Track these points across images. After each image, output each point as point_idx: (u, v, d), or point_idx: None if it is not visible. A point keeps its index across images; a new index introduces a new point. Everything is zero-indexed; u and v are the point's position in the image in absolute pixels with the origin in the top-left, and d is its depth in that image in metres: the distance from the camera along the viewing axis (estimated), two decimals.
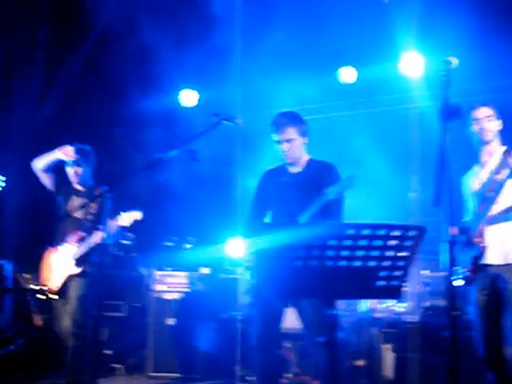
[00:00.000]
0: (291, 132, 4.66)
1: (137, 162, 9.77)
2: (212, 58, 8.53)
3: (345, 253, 2.82)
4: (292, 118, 4.74)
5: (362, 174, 4.53)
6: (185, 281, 7.43)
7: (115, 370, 7.42)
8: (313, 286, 2.89)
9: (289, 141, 4.66)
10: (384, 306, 6.92)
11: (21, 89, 10.57)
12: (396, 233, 2.80)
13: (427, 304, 6.76)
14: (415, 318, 6.56)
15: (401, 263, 2.91)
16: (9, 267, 7.79)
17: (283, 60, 8.29)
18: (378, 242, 2.81)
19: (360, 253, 2.83)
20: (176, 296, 7.35)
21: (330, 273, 2.85)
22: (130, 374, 7.40)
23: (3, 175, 9.34)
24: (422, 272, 6.87)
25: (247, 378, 6.67)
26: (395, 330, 6.53)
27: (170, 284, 7.42)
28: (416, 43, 7.97)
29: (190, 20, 8.96)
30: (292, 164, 4.78)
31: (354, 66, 8.61)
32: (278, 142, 4.69)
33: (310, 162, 4.80)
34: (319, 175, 4.65)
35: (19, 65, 10.60)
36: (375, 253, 2.85)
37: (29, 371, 6.72)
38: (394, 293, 3.00)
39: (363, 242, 2.80)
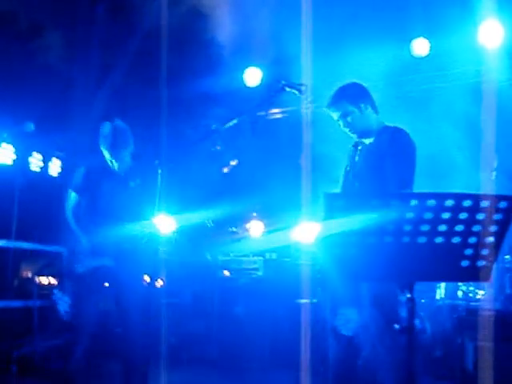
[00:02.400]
0: (345, 105, 4.39)
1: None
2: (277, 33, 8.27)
3: (425, 227, 2.48)
4: (345, 90, 4.47)
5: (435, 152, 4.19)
6: (251, 266, 7.20)
7: (179, 359, 7.23)
8: (388, 267, 2.57)
9: (345, 115, 4.40)
10: (462, 293, 6.67)
11: (79, 71, 10.55)
12: (484, 204, 2.44)
13: (508, 291, 6.42)
14: (496, 305, 6.21)
15: (489, 240, 2.55)
16: (68, 254, 7.69)
17: (352, 33, 7.95)
18: (464, 215, 2.46)
19: (442, 228, 2.49)
20: (241, 282, 7.12)
21: (408, 251, 2.52)
22: (195, 363, 7.21)
23: (63, 158, 9.31)
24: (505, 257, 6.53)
25: (315, 366, 6.38)
26: (474, 318, 6.16)
27: (236, 270, 7.21)
28: (495, 11, 7.59)
29: None
30: (362, 136, 4.48)
31: (426, 38, 8.24)
32: (338, 119, 4.45)
33: (382, 130, 4.47)
34: (387, 142, 4.34)
35: (77, 47, 10.58)
36: (460, 228, 2.50)
37: (87, 360, 6.60)
38: (481, 274, 2.65)
39: (446, 215, 2.45)
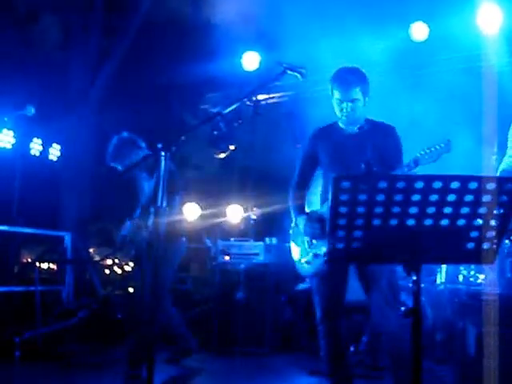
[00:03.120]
0: (357, 92, 4.36)
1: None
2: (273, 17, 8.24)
3: (431, 210, 2.48)
4: (359, 77, 4.43)
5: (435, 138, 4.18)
6: (252, 251, 7.18)
7: None
8: (394, 249, 2.57)
9: (353, 101, 4.37)
10: (463, 277, 6.66)
11: (77, 57, 10.52)
12: (490, 186, 2.44)
13: (508, 275, 6.40)
14: (497, 290, 6.20)
15: (494, 222, 2.56)
16: (68, 239, 7.71)
17: (351, 17, 7.92)
18: (469, 197, 2.46)
19: (448, 210, 2.49)
20: (242, 267, 7.10)
21: (414, 233, 2.52)
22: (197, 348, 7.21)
23: (61, 143, 9.31)
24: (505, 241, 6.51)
25: (316, 351, 6.39)
26: (476, 303, 6.16)
27: (235, 255, 7.20)
28: None
29: None
30: (351, 124, 4.48)
31: (425, 22, 8.19)
32: (341, 100, 4.39)
33: (367, 122, 4.50)
34: (378, 136, 4.40)
35: (76, 33, 10.55)
36: (465, 210, 2.50)
37: (91, 344, 6.64)
38: (486, 257, 2.65)
39: (452, 197, 2.45)
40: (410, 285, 6.79)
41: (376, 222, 2.50)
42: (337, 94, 4.40)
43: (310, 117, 7.53)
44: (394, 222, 2.50)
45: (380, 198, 2.43)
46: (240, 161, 10.38)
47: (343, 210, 2.46)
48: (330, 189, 2.41)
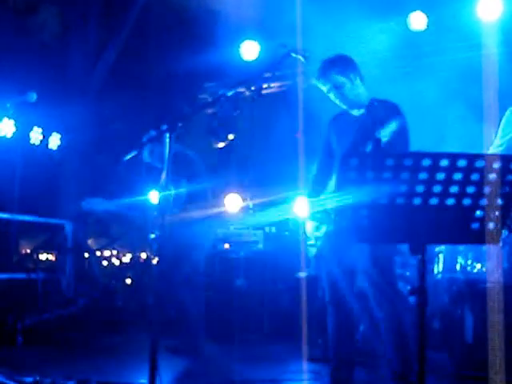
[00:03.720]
0: (336, 76, 4.41)
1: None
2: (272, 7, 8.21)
3: (437, 189, 2.48)
4: (334, 62, 4.48)
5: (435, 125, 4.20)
6: (251, 239, 7.19)
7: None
8: (400, 229, 2.58)
9: (338, 87, 4.41)
10: (460, 266, 6.67)
11: (77, 47, 10.49)
12: (496, 165, 2.44)
13: (505, 265, 6.42)
14: (495, 278, 6.21)
15: (500, 201, 2.56)
16: (69, 228, 7.69)
17: (350, 7, 7.89)
18: (475, 176, 2.46)
19: (454, 189, 2.50)
20: (242, 255, 7.11)
21: (419, 213, 2.53)
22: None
23: (62, 132, 9.29)
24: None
25: (315, 339, 6.40)
26: (474, 291, 6.18)
27: (235, 243, 7.20)
28: None
29: None
30: (352, 107, 4.52)
31: (424, 12, 8.19)
32: (328, 91, 4.47)
33: (372, 103, 4.48)
34: (381, 115, 4.31)
35: (75, 22, 10.51)
36: (471, 189, 2.50)
37: (91, 331, 6.64)
38: (491, 237, 2.65)
39: (458, 176, 2.46)
40: (408, 273, 6.84)
41: (382, 200, 2.51)
42: (322, 87, 4.49)
43: (309, 106, 7.54)
44: (400, 200, 2.51)
45: (387, 175, 2.43)
46: (239, 151, 10.37)
47: (351, 188, 2.47)
48: (338, 167, 2.42)
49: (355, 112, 4.53)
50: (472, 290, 6.11)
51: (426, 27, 8.24)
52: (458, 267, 6.78)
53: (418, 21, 8.21)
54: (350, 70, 4.46)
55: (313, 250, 4.57)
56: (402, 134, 4.24)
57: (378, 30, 8.28)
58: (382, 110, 4.37)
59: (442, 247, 6.82)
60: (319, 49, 8.01)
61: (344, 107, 4.53)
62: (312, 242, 4.54)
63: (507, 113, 4.69)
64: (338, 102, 4.50)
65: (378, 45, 8.19)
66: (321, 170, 4.67)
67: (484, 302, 5.85)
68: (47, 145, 8.91)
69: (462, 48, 8.36)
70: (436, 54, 8.48)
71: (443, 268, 6.85)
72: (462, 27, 8.08)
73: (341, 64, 4.46)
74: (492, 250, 6.39)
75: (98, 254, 10.65)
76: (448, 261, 6.86)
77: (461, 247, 6.72)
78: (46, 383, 4.10)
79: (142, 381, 4.46)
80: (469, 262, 6.73)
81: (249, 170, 9.94)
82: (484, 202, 2.55)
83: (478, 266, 6.60)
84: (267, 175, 8.96)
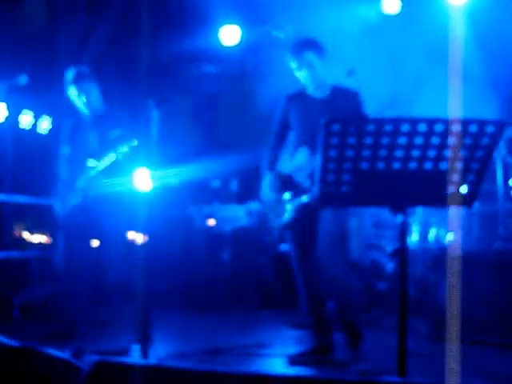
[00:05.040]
0: (309, 56, 4.46)
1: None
2: None
3: (415, 153, 2.47)
4: (308, 43, 4.54)
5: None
6: (234, 215, 7.19)
7: (170, 304, 7.23)
8: (381, 192, 2.57)
9: (308, 65, 4.47)
10: (433, 236, 6.73)
11: (64, 33, 10.34)
12: (472, 129, 2.43)
13: (475, 233, 6.49)
14: (465, 246, 6.27)
15: (475, 165, 2.56)
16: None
17: None
18: (452, 140, 2.46)
19: (431, 153, 2.49)
20: (226, 230, 7.10)
21: (399, 176, 2.52)
22: (184, 308, 7.21)
23: (53, 116, 9.19)
24: None
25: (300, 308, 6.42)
26: (448, 258, 6.22)
27: (220, 218, 7.20)
28: None
29: None
30: (318, 88, 4.56)
31: None
32: (298, 68, 4.51)
33: (335, 88, 4.59)
34: (344, 101, 4.46)
35: (62, 10, 10.36)
36: (447, 152, 2.50)
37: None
38: (467, 200, 2.65)
39: (435, 140, 2.45)
40: (384, 244, 6.82)
41: (364, 165, 2.49)
42: (292, 64, 4.52)
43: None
44: (381, 165, 2.50)
45: (368, 141, 2.42)
46: (222, 135, 10.31)
47: (333, 153, 2.45)
48: (321, 133, 2.39)
49: (318, 93, 4.56)
50: (446, 258, 6.17)
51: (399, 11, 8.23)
52: (430, 237, 6.84)
53: (391, 5, 8.18)
54: (322, 52, 4.52)
55: (277, 221, 4.65)
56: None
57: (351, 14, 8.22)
58: (343, 96, 4.48)
59: (416, 218, 6.87)
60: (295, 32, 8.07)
61: (310, 87, 4.56)
62: (274, 213, 4.64)
63: None
64: (306, 80, 4.53)
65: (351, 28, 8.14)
66: (276, 143, 4.79)
67: (457, 268, 5.90)
68: (37, 128, 8.80)
69: (435, 31, 8.33)
70: (409, 37, 8.45)
71: (417, 238, 6.89)
72: (436, 10, 8.07)
73: (315, 45, 4.52)
74: (459, 221, 6.49)
75: None
76: (422, 231, 6.91)
77: (433, 218, 6.77)
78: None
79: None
80: (441, 233, 6.79)
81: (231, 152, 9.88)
82: (460, 165, 2.55)
83: (451, 235, 6.65)
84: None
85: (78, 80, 5.31)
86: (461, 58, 7.21)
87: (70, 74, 5.58)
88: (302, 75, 4.51)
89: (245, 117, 9.53)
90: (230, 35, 8.54)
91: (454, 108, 6.87)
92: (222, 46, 8.70)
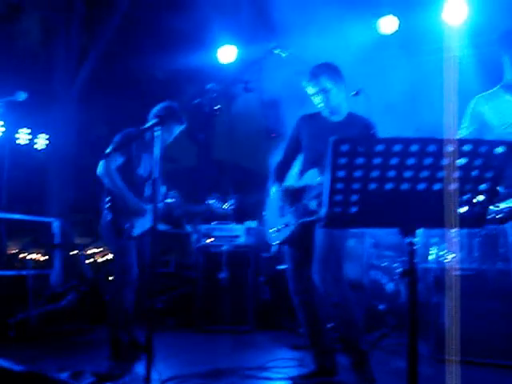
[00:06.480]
0: (326, 81, 4.46)
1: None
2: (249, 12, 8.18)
3: (425, 173, 2.44)
4: (325, 68, 4.53)
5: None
6: (232, 234, 7.14)
7: (166, 324, 7.18)
8: (389, 213, 2.53)
9: (325, 91, 4.47)
10: (434, 256, 6.69)
11: (60, 51, 10.36)
12: (482, 149, 2.40)
13: (476, 254, 6.45)
14: (467, 266, 6.24)
15: (485, 186, 2.52)
16: (56, 225, 7.59)
17: (320, 10, 7.87)
18: (462, 161, 2.42)
19: (441, 174, 2.45)
20: (224, 249, 7.04)
21: (408, 197, 2.48)
22: (181, 328, 7.16)
23: (49, 133, 9.18)
24: None
25: (298, 329, 6.36)
26: (449, 279, 6.19)
27: (218, 237, 7.14)
28: None
29: None
30: (331, 113, 4.58)
31: (394, 15, 8.19)
32: (315, 93, 4.51)
33: (351, 114, 4.61)
34: (358, 128, 4.46)
35: (57, 29, 10.38)
36: (457, 174, 2.46)
37: (80, 326, 6.56)
38: (477, 221, 2.61)
39: (445, 161, 2.41)
40: (384, 264, 6.79)
41: (372, 186, 2.46)
42: (309, 90, 4.53)
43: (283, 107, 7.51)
44: (389, 186, 2.46)
45: (377, 161, 2.39)
46: (216, 153, 10.33)
47: (341, 174, 2.41)
48: (329, 153, 2.36)
49: (333, 118, 4.58)
50: (448, 278, 6.13)
51: (396, 30, 8.26)
52: (431, 258, 6.80)
53: (387, 25, 8.21)
54: (338, 77, 4.52)
55: (275, 235, 4.63)
56: None
57: (349, 32, 8.25)
58: (360, 123, 4.49)
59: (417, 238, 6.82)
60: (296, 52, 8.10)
61: (325, 111, 4.57)
62: (275, 228, 4.62)
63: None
64: (321, 105, 4.54)
65: (350, 48, 8.16)
66: (285, 160, 4.77)
67: (458, 289, 5.87)
68: (34, 145, 8.79)
69: (430, 50, 8.38)
70: (405, 56, 8.49)
71: (418, 258, 6.83)
72: (431, 30, 8.10)
73: (331, 70, 4.52)
74: (460, 242, 6.46)
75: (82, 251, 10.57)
76: (422, 251, 6.88)
77: (434, 239, 6.74)
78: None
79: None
80: (441, 253, 6.75)
81: (227, 171, 9.89)
82: (470, 186, 2.51)
83: (451, 255, 6.62)
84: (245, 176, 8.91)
85: (164, 120, 4.67)
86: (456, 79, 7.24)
87: (160, 110, 5.07)
88: (318, 100, 4.52)
89: (240, 135, 9.54)
90: (227, 54, 8.64)
91: (450, 126, 6.90)
92: (220, 64, 8.76)
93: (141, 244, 4.99)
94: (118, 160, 4.85)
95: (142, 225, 4.93)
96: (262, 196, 7.03)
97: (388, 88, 7.67)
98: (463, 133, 4.60)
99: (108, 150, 4.72)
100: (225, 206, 5.31)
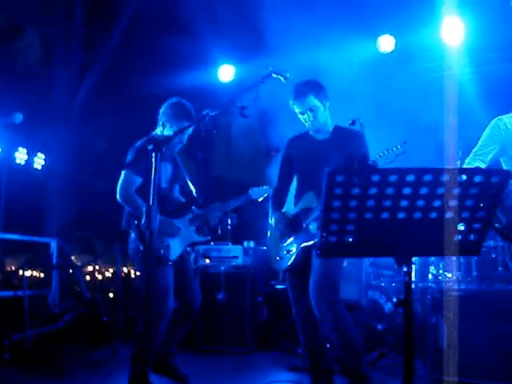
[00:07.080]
0: (312, 99, 4.44)
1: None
2: (248, 31, 8.21)
3: (421, 202, 2.43)
4: (311, 86, 4.50)
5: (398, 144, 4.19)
6: (231, 254, 7.11)
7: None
8: (385, 242, 2.52)
9: (312, 109, 4.46)
10: (432, 276, 6.67)
11: (60, 70, 10.37)
12: (478, 179, 2.39)
13: (474, 273, 6.44)
14: (466, 286, 6.20)
15: (481, 214, 2.51)
16: (54, 245, 7.57)
17: (320, 30, 7.89)
18: (458, 190, 2.41)
19: (437, 203, 2.44)
20: (222, 270, 7.01)
21: (404, 226, 2.47)
22: (179, 348, 7.09)
23: (46, 153, 9.16)
24: None
25: (296, 349, 6.32)
26: (448, 299, 6.16)
27: (216, 258, 7.11)
28: (456, 8, 7.62)
29: None
30: (318, 131, 4.58)
31: (392, 35, 8.23)
32: (302, 112, 4.51)
33: (336, 129, 4.60)
34: (346, 142, 4.46)
35: (57, 47, 10.40)
36: (453, 202, 2.45)
37: (77, 346, 6.50)
38: (473, 248, 2.60)
39: (441, 190, 2.40)
40: (382, 284, 6.77)
41: (368, 215, 2.45)
42: (296, 109, 4.52)
43: (283, 126, 7.51)
44: (385, 215, 2.45)
45: (372, 191, 2.37)
46: (216, 170, 10.32)
47: (336, 203, 2.40)
48: (324, 183, 2.35)
49: (318, 136, 4.59)
50: (446, 298, 6.10)
51: (393, 49, 8.29)
52: (430, 277, 6.78)
53: (386, 43, 8.24)
54: (324, 95, 4.51)
55: (279, 263, 4.60)
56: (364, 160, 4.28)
57: (348, 52, 8.28)
58: (345, 137, 4.48)
59: (415, 258, 6.81)
60: (294, 71, 8.09)
61: (312, 130, 4.57)
62: (278, 255, 4.58)
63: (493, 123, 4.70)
64: (307, 124, 4.53)
65: (349, 67, 8.18)
66: (280, 186, 4.77)
67: (456, 310, 5.84)
68: (32, 165, 8.78)
69: (427, 69, 8.41)
70: (403, 74, 8.51)
71: (416, 277, 6.83)
72: (429, 49, 8.14)
73: (317, 89, 4.49)
74: (459, 261, 6.45)
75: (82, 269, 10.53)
76: (420, 271, 6.86)
77: (432, 258, 6.71)
78: None
79: None
80: (440, 272, 6.73)
81: (227, 188, 9.89)
82: (466, 214, 2.50)
83: (449, 275, 6.60)
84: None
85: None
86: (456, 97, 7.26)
87: (165, 111, 5.14)
88: (304, 118, 4.50)
89: (239, 153, 9.55)
90: (226, 73, 8.76)
91: (450, 148, 6.90)
92: (219, 84, 8.85)
93: (182, 265, 4.87)
94: (136, 181, 4.61)
95: (178, 244, 4.77)
96: (260, 215, 7.05)
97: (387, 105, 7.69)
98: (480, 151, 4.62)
99: (123, 173, 4.56)
100: (260, 199, 5.16)
